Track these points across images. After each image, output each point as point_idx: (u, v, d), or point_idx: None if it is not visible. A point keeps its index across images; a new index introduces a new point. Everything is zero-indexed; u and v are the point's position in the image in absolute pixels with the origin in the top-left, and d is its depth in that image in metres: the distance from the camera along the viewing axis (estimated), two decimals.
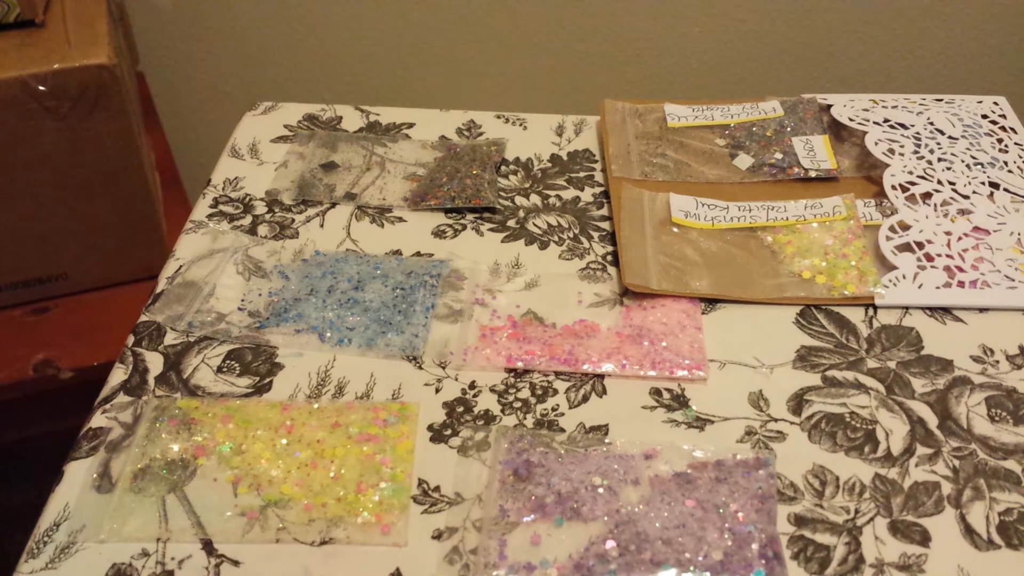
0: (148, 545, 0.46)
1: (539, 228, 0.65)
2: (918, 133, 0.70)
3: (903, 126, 0.71)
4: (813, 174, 0.68)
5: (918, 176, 0.67)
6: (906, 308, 0.59)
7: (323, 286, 0.60)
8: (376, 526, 0.47)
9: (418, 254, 0.63)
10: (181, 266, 0.62)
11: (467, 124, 0.75)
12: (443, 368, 0.55)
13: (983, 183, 0.66)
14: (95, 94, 0.80)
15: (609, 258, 0.63)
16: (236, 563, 0.45)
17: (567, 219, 0.66)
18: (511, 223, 0.66)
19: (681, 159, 0.70)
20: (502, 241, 0.64)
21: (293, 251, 0.63)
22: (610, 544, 0.45)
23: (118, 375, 0.54)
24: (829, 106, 0.73)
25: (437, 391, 0.54)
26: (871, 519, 0.47)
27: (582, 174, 0.70)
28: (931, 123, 0.71)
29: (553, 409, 0.53)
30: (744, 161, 0.69)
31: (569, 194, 0.68)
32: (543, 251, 0.63)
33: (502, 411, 0.53)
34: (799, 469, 0.50)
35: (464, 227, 0.65)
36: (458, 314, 0.58)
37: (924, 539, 0.47)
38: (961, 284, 0.59)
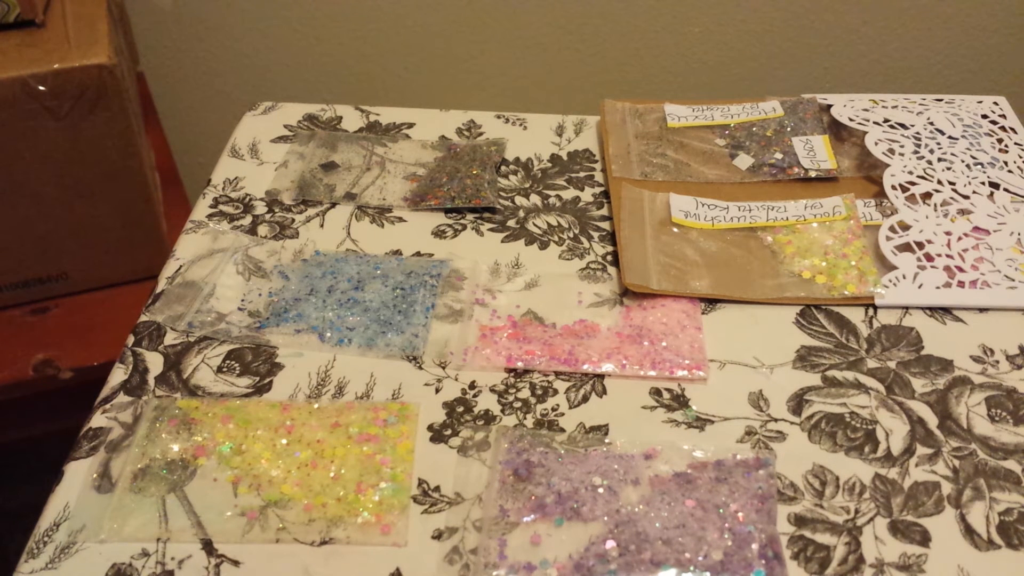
0: (148, 545, 0.46)
1: (539, 228, 0.65)
2: (918, 133, 0.70)
3: (903, 126, 0.71)
4: (813, 174, 0.68)
5: (918, 176, 0.67)
6: (906, 308, 0.59)
7: (323, 286, 0.60)
8: (376, 526, 0.47)
9: (418, 254, 0.63)
10: (181, 266, 0.62)
11: (467, 124, 0.75)
12: (443, 368, 0.55)
13: (983, 183, 0.66)
14: (95, 94, 0.80)
15: (609, 258, 0.63)
16: (236, 563, 0.45)
17: (567, 219, 0.66)
18: (511, 223, 0.66)
19: (681, 159, 0.70)
20: (502, 241, 0.64)
21: (293, 251, 0.63)
22: (610, 544, 0.45)
23: (118, 375, 0.54)
24: (829, 106, 0.73)
25: (437, 391, 0.54)
26: (871, 519, 0.47)
27: (582, 174, 0.70)
28: (931, 123, 0.71)
29: (553, 409, 0.53)
30: (744, 161, 0.69)
31: (569, 194, 0.68)
32: (543, 251, 0.63)
33: (502, 411, 0.53)
34: (799, 469, 0.50)
35: (464, 227, 0.65)
36: (458, 314, 0.58)
37: (924, 539, 0.47)
38: (961, 284, 0.59)
